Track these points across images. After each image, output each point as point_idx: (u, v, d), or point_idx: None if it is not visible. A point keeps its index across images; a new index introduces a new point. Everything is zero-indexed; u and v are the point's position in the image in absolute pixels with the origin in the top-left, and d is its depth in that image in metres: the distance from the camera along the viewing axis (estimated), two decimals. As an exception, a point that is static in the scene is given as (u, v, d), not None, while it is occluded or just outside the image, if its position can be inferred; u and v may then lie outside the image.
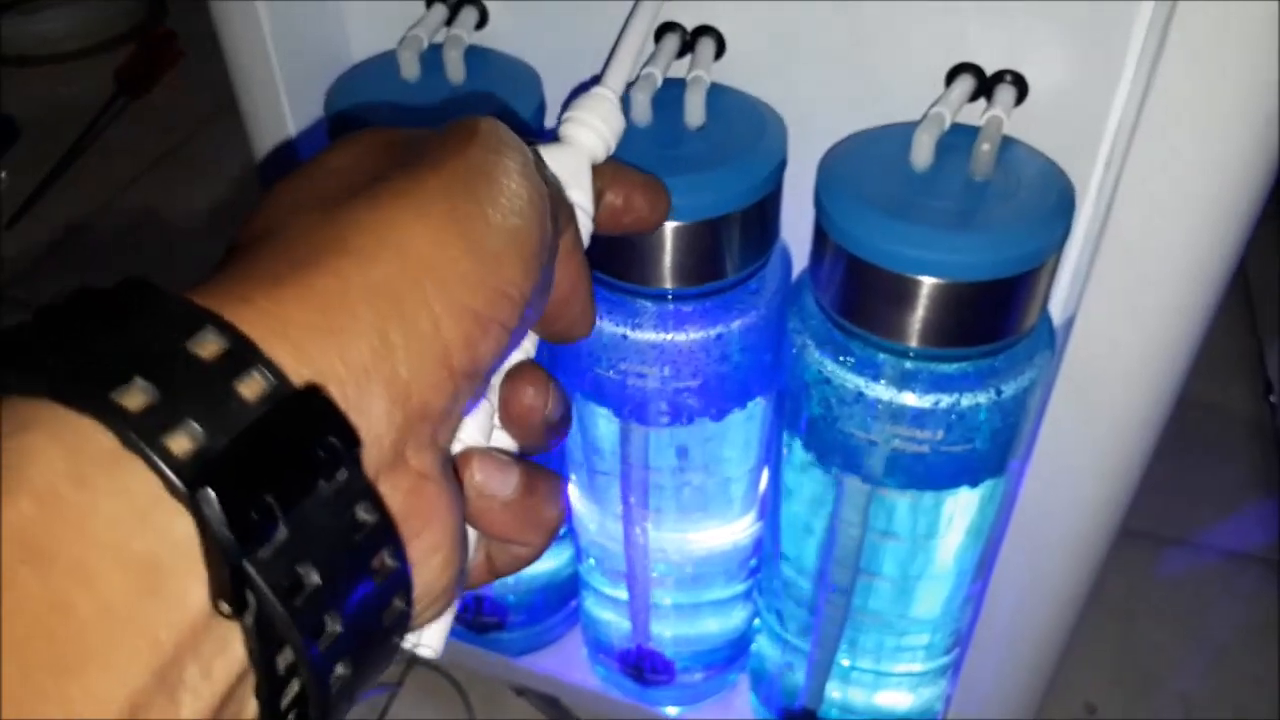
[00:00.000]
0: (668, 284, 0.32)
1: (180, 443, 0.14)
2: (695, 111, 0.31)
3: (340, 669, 0.16)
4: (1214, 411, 0.74)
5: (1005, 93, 0.29)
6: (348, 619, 0.16)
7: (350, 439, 0.16)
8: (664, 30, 0.33)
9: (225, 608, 0.14)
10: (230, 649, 0.15)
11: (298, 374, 0.16)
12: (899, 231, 0.28)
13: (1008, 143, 0.30)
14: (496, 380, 0.23)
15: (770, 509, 0.39)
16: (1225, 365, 0.77)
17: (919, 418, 0.30)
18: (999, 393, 0.30)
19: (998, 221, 0.28)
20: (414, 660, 0.57)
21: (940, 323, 0.29)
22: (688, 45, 0.33)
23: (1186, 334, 0.29)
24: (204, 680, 0.14)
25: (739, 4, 0.32)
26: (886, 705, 0.42)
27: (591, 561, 0.44)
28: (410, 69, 0.34)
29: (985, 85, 0.30)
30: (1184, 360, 0.29)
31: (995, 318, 0.29)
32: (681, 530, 0.40)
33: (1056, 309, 0.33)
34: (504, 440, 0.23)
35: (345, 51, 0.38)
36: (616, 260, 0.32)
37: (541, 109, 0.35)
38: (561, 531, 0.27)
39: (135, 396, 0.14)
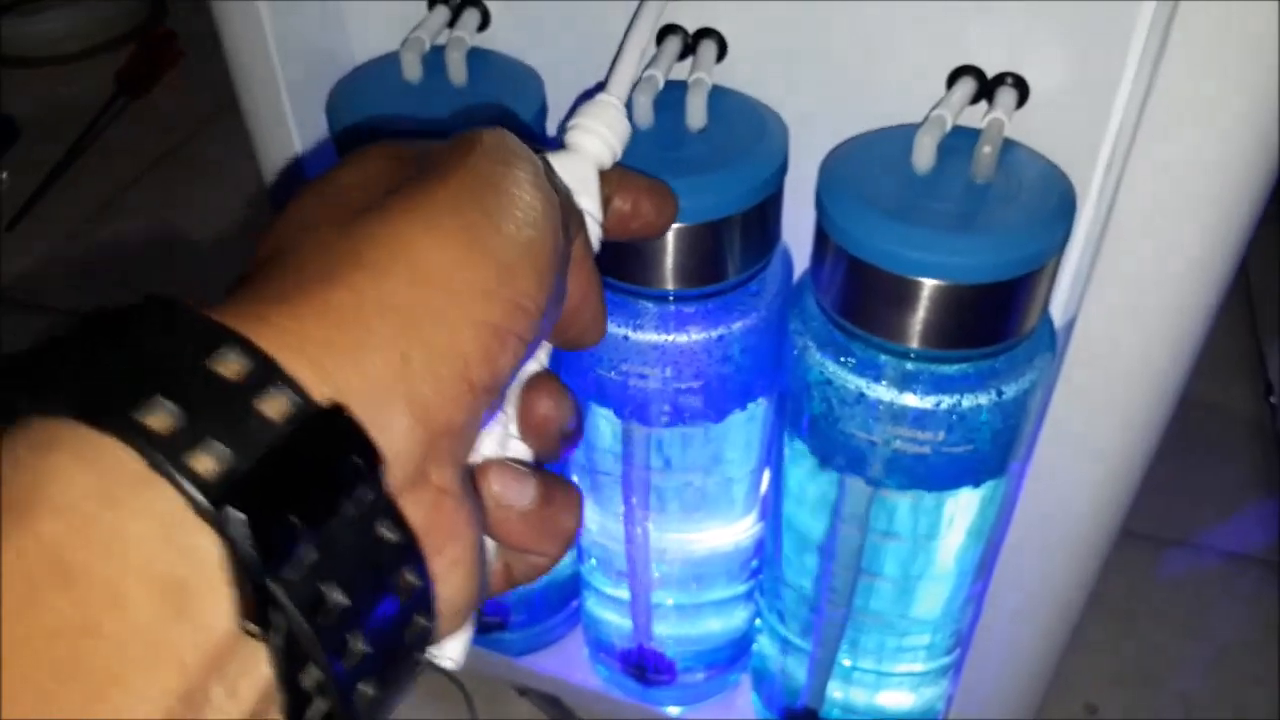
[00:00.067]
0: (669, 285, 0.32)
1: (205, 463, 0.14)
2: (697, 114, 0.31)
3: (365, 687, 0.16)
4: (1215, 412, 0.74)
5: (1006, 95, 0.29)
6: (372, 637, 0.16)
7: (373, 457, 0.16)
8: (666, 32, 0.33)
9: (252, 627, 0.14)
10: (255, 669, 0.15)
11: (319, 392, 0.16)
12: (900, 233, 0.28)
13: (1009, 145, 0.30)
14: (512, 391, 0.23)
15: (772, 510, 0.40)
16: (1226, 366, 0.77)
17: (920, 419, 0.30)
18: (1000, 394, 0.30)
19: (999, 224, 0.28)
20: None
21: (941, 324, 0.29)
22: (689, 48, 0.33)
23: (1187, 336, 0.29)
24: (230, 700, 0.14)
25: (741, 6, 0.32)
26: (888, 705, 0.42)
27: (593, 562, 0.44)
28: (412, 71, 0.34)
29: (986, 88, 0.30)
30: (1185, 362, 0.30)
31: (996, 319, 0.29)
32: (683, 531, 0.40)
33: (1057, 311, 0.33)
34: (519, 450, 0.23)
35: (347, 53, 0.38)
36: (618, 261, 0.32)
37: (543, 111, 0.35)
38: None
39: (159, 417, 0.14)
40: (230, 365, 0.15)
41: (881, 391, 0.30)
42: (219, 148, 1.03)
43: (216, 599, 0.14)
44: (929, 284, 0.28)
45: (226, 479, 0.14)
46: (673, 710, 0.48)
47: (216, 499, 0.14)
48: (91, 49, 1.18)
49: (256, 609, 0.14)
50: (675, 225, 0.30)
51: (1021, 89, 0.30)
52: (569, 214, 0.22)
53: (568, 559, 0.48)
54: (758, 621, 0.45)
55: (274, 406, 0.15)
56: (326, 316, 0.16)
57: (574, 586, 0.49)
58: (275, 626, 0.14)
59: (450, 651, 0.21)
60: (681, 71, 0.32)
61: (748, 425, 0.37)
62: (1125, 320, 0.29)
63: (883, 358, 0.30)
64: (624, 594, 0.43)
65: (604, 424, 0.37)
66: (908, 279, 0.28)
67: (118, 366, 0.15)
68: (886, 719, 0.42)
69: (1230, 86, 0.24)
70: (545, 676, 0.51)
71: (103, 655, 0.13)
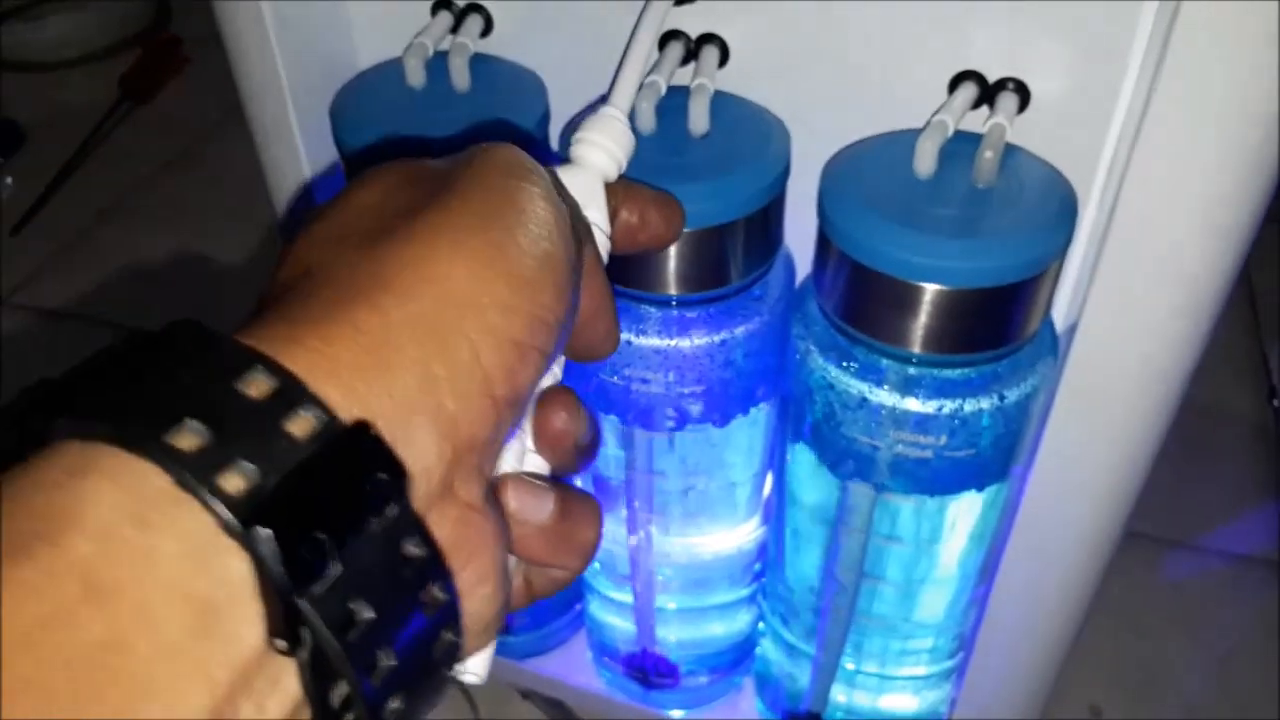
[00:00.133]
0: (672, 290, 0.32)
1: (233, 482, 0.14)
2: (699, 119, 0.31)
3: (393, 703, 0.16)
4: (1218, 415, 0.74)
5: (1008, 100, 0.29)
6: (400, 652, 0.16)
7: (399, 474, 0.16)
8: (668, 38, 0.33)
9: (281, 644, 0.14)
10: (284, 686, 0.15)
11: (347, 411, 0.16)
12: (902, 238, 0.28)
13: (1010, 150, 0.30)
14: (529, 406, 0.23)
15: (774, 514, 0.40)
16: (1229, 369, 0.77)
17: (922, 423, 0.31)
18: (1002, 398, 0.30)
19: (1001, 229, 0.28)
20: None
21: (943, 329, 0.29)
22: (692, 53, 0.33)
23: (1189, 339, 0.29)
24: (258, 716, 0.14)
25: (743, 12, 0.32)
26: (891, 708, 0.42)
27: (596, 565, 0.44)
28: (415, 76, 0.34)
29: (988, 93, 0.30)
30: (1187, 365, 0.30)
31: (998, 324, 0.29)
32: (686, 535, 0.40)
33: (1059, 315, 0.33)
34: (536, 464, 0.23)
35: (351, 58, 0.38)
36: (621, 267, 0.32)
37: (546, 117, 0.35)
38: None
39: (188, 438, 0.14)
40: (258, 386, 0.15)
41: (884, 396, 0.31)
42: (223, 153, 1.03)
43: (245, 616, 0.14)
44: (931, 289, 0.28)
45: (254, 498, 0.14)
46: (676, 714, 0.48)
47: (245, 518, 0.14)
48: (96, 54, 1.18)
49: (285, 626, 0.14)
50: (677, 230, 0.30)
51: (1023, 94, 0.30)
52: (578, 225, 0.22)
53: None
54: (761, 625, 0.45)
55: (301, 426, 0.15)
56: (357, 340, 0.17)
57: (577, 590, 0.49)
58: (304, 643, 0.14)
59: (474, 667, 0.21)
60: (684, 77, 0.33)
61: (750, 430, 0.37)
62: (1127, 324, 0.29)
63: (885, 362, 0.31)
64: (627, 598, 0.43)
65: (607, 429, 0.37)
66: (910, 284, 0.28)
67: (150, 390, 0.15)
68: (890, 722, 0.42)
69: (1231, 90, 0.24)
70: (548, 679, 0.51)
71: (132, 672, 0.13)
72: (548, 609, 0.50)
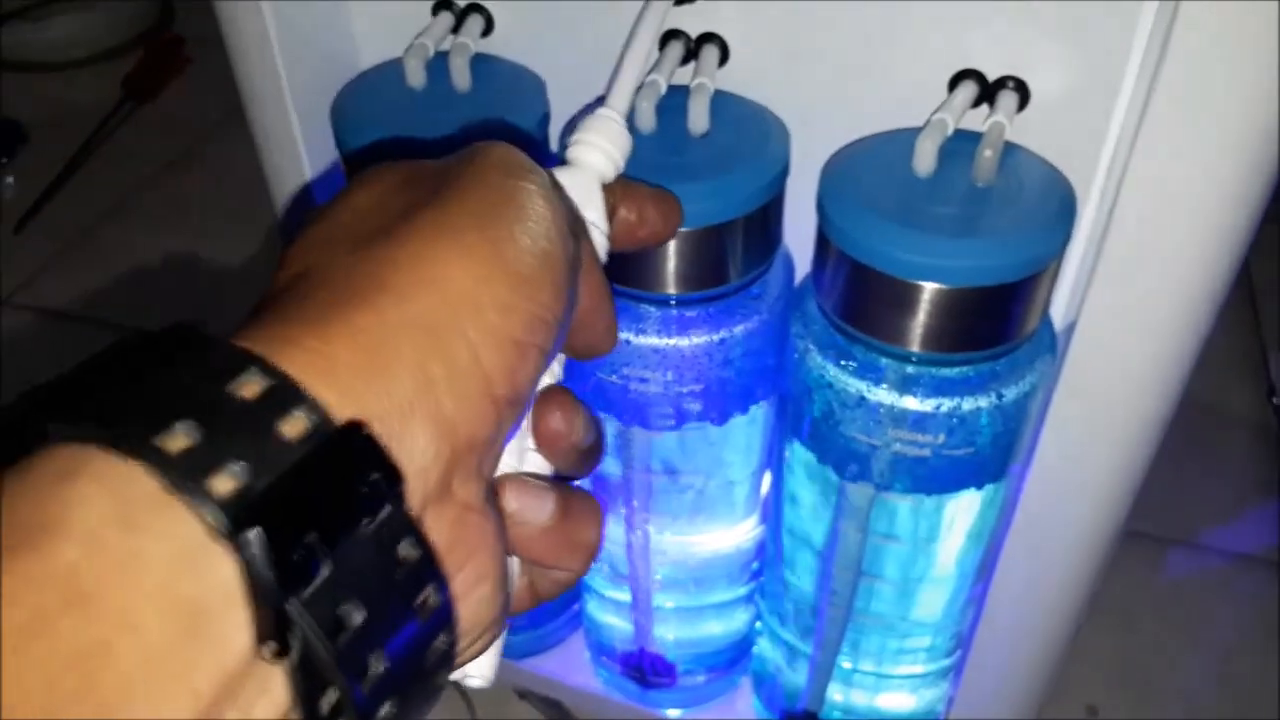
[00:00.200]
0: (671, 289, 0.32)
1: (223, 484, 0.14)
2: (699, 118, 0.31)
3: (386, 709, 0.16)
4: (1217, 414, 0.74)
5: (1007, 99, 0.30)
6: (392, 658, 0.16)
7: (393, 475, 0.16)
8: (668, 38, 0.33)
9: (269, 650, 0.14)
10: (272, 691, 0.14)
11: (343, 412, 0.16)
12: (901, 237, 0.28)
13: (1010, 149, 0.30)
14: (530, 405, 0.23)
15: (772, 512, 0.40)
16: (1228, 368, 0.77)
17: (920, 422, 0.31)
18: (1000, 397, 0.30)
19: (1000, 227, 0.28)
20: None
21: (942, 328, 0.29)
22: (691, 53, 0.33)
23: (1189, 338, 0.29)
24: None
25: (743, 12, 0.32)
26: (888, 707, 0.42)
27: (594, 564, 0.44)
28: (416, 76, 0.34)
29: (987, 91, 0.30)
30: (1186, 364, 0.30)
31: (997, 323, 0.29)
32: (684, 534, 0.40)
33: (1058, 314, 0.33)
34: (537, 463, 0.23)
35: (352, 58, 0.38)
36: (620, 266, 0.32)
37: (546, 117, 0.35)
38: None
39: (177, 439, 0.14)
40: (251, 387, 0.15)
41: (882, 395, 0.31)
42: (225, 153, 1.03)
43: (233, 621, 0.14)
44: (930, 287, 0.28)
45: (244, 499, 0.14)
46: (673, 713, 0.48)
47: (233, 519, 0.14)
48: (99, 54, 1.19)
49: (274, 630, 0.14)
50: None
51: (1022, 92, 0.30)
52: (576, 224, 0.22)
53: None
54: (758, 624, 0.46)
55: (293, 427, 0.15)
56: (355, 340, 0.16)
57: (575, 589, 0.49)
58: (293, 649, 0.14)
59: (479, 670, 0.21)
60: (684, 76, 0.33)
61: (749, 428, 0.37)
62: (1126, 323, 0.29)
63: (883, 361, 0.31)
64: (625, 597, 0.43)
65: (605, 427, 0.37)
66: (909, 282, 0.28)
67: (141, 393, 0.15)
68: (888, 721, 0.42)
69: (1231, 89, 0.24)
70: (546, 679, 0.51)
71: (114, 678, 0.13)
72: (545, 609, 0.50)
